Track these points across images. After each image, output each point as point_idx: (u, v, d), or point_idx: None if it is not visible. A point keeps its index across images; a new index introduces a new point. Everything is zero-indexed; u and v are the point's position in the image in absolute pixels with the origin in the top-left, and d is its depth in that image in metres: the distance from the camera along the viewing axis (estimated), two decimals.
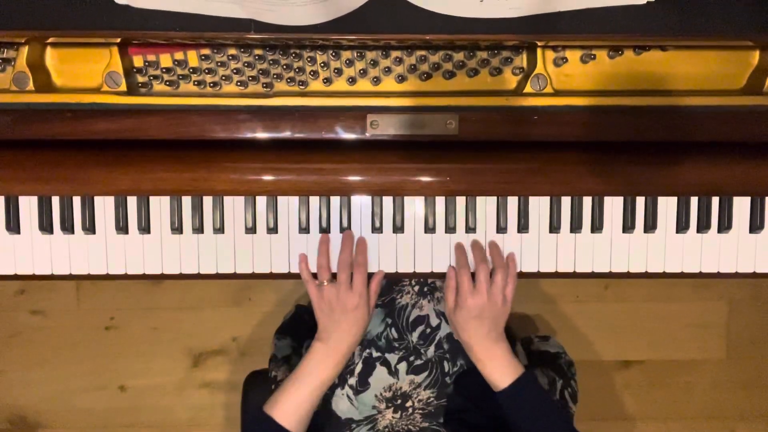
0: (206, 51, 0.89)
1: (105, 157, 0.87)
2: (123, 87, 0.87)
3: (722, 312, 1.70)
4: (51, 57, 0.89)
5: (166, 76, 0.89)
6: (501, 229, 0.94)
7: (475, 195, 0.93)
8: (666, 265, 0.96)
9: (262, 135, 0.88)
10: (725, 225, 0.95)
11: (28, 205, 0.93)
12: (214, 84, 0.90)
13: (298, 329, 1.25)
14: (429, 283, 1.03)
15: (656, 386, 1.71)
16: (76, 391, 1.68)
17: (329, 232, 0.94)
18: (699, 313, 1.69)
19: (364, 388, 0.97)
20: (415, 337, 0.99)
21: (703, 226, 0.95)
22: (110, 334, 1.67)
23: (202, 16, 0.77)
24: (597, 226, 0.94)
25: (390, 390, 0.97)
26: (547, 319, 1.68)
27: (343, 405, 0.97)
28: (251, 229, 0.93)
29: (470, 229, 0.94)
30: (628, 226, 0.95)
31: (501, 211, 0.94)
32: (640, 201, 0.95)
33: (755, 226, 0.95)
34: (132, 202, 0.93)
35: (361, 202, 0.94)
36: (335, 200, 0.94)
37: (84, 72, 0.89)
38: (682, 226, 0.95)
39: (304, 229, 0.94)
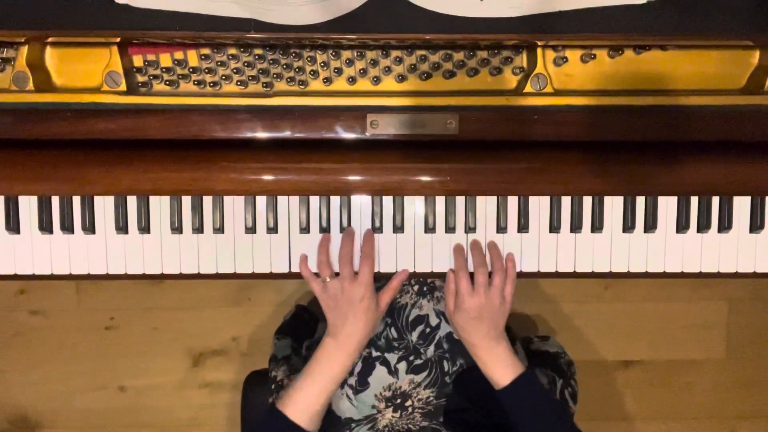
0: (206, 51, 0.89)
1: (105, 157, 0.87)
2: (123, 87, 0.87)
3: (722, 312, 1.70)
4: (51, 57, 0.89)
5: (166, 76, 0.89)
6: (501, 228, 0.94)
7: (475, 195, 0.93)
8: (666, 265, 0.96)
9: (262, 135, 0.88)
10: (725, 225, 0.95)
11: (28, 205, 0.93)
12: (214, 84, 0.90)
13: (298, 329, 1.25)
14: (428, 283, 1.03)
15: (656, 386, 1.71)
16: (76, 391, 1.68)
17: (329, 231, 0.94)
18: (699, 313, 1.69)
19: (363, 387, 0.97)
20: (414, 336, 0.99)
21: (703, 225, 0.95)
22: (110, 334, 1.67)
23: (202, 16, 0.77)
24: (597, 226, 0.94)
25: (390, 389, 0.97)
26: (547, 319, 1.68)
27: (342, 404, 0.97)
28: (251, 229, 0.93)
29: (470, 228, 0.94)
30: (628, 226, 0.95)
31: (501, 210, 0.94)
32: (640, 201, 0.95)
33: (755, 226, 0.95)
34: (132, 202, 0.93)
35: (361, 202, 0.94)
36: (335, 200, 0.94)
37: (84, 72, 0.89)
38: (682, 225, 0.95)
39: (304, 229, 0.94)
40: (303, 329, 1.23)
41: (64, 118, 0.86)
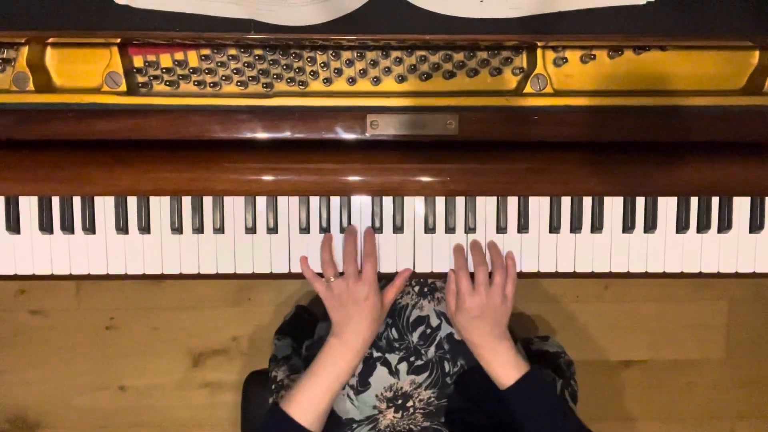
0: (206, 51, 0.89)
1: (105, 157, 0.87)
2: (123, 87, 0.88)
3: (722, 312, 1.70)
4: (51, 57, 0.89)
5: (166, 76, 0.89)
6: (501, 229, 0.94)
7: (475, 195, 0.93)
8: (666, 265, 0.96)
9: (262, 135, 0.88)
10: (725, 225, 0.95)
11: (28, 205, 0.93)
12: (214, 84, 0.90)
13: (299, 329, 1.25)
14: (429, 284, 1.03)
15: (656, 386, 1.71)
16: (76, 391, 1.68)
17: (329, 232, 0.94)
18: (699, 313, 1.69)
19: (364, 388, 0.97)
20: (415, 337, 0.99)
21: (703, 226, 0.95)
22: (110, 334, 1.67)
23: (202, 16, 0.77)
24: (597, 226, 0.94)
25: (391, 390, 0.97)
26: (547, 319, 1.68)
27: (343, 405, 0.97)
28: (251, 229, 0.93)
29: (470, 229, 0.94)
30: (628, 226, 0.95)
31: (501, 211, 0.94)
32: (640, 201, 0.95)
33: (755, 226, 0.95)
34: (132, 202, 0.93)
35: (361, 202, 0.94)
36: (335, 200, 0.94)
37: (84, 72, 0.89)
38: (682, 226, 0.95)
39: (304, 229, 0.94)
40: (303, 329, 1.23)
41: (64, 118, 0.86)
